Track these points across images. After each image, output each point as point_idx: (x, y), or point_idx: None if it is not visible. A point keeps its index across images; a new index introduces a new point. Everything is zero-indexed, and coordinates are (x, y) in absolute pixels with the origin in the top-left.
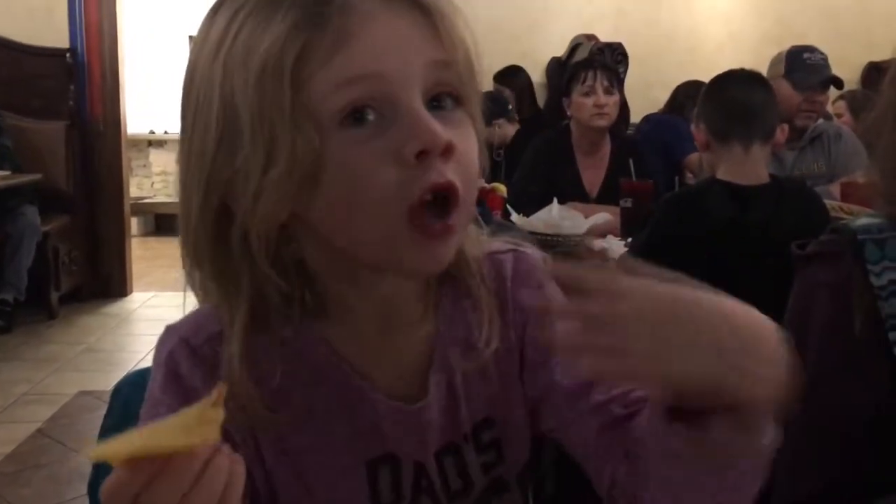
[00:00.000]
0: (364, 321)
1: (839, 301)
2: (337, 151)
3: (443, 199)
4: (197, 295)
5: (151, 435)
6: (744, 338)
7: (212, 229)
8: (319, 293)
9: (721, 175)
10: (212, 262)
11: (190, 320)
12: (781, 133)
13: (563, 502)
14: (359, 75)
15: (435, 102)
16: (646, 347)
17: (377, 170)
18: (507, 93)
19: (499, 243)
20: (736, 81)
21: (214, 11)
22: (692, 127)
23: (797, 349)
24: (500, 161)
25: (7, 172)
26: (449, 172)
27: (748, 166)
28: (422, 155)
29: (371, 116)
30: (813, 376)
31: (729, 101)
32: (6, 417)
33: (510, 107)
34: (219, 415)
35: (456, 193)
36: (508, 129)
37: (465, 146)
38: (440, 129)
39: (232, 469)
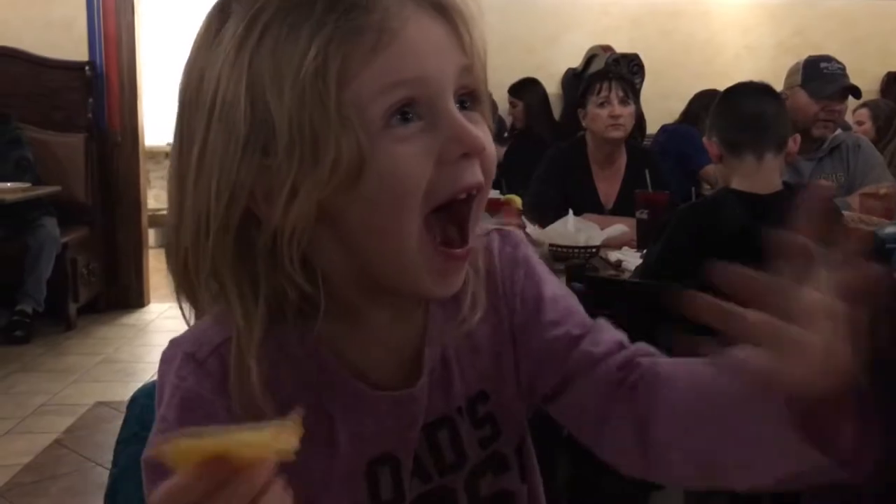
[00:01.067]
0: (369, 321)
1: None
2: (381, 148)
3: (469, 200)
4: (196, 306)
5: (226, 440)
6: None
7: (235, 235)
8: (331, 296)
9: (735, 185)
10: (232, 270)
11: (191, 334)
12: (794, 143)
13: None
14: (402, 79)
15: (457, 104)
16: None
17: (421, 164)
18: (519, 107)
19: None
20: (746, 93)
21: (223, 15)
22: (704, 139)
23: None
24: (498, 179)
25: (27, 184)
26: (479, 173)
27: (761, 176)
28: (463, 157)
29: (414, 116)
30: None
31: (740, 112)
32: (24, 428)
33: (505, 134)
34: (293, 439)
35: (481, 191)
36: (499, 151)
37: (489, 146)
38: (478, 133)
39: (283, 497)
